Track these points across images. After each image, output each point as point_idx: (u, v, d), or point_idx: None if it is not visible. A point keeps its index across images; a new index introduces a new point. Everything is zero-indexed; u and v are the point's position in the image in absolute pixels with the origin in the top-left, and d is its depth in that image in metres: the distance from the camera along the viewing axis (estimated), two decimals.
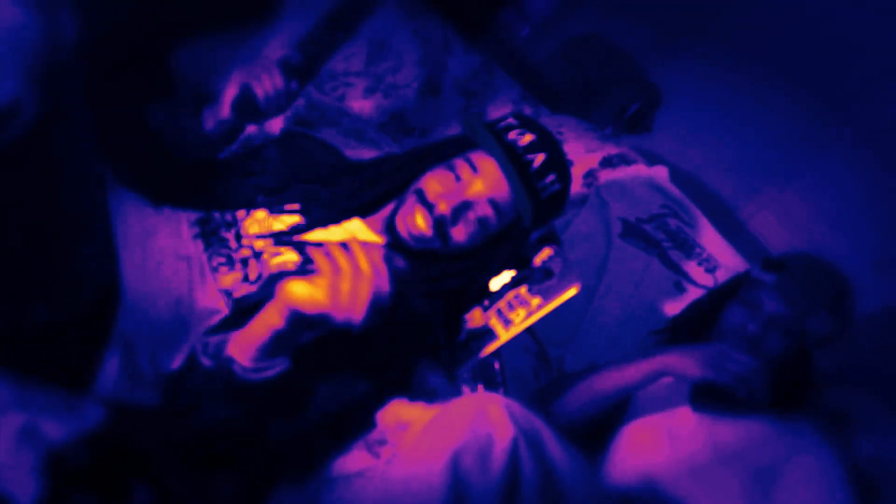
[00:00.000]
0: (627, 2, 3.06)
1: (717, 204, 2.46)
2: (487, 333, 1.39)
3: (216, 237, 1.30)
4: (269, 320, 1.02)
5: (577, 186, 2.14)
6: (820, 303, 1.55)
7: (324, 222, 1.33)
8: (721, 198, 2.52)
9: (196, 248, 1.28)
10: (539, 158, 1.31)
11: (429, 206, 1.28)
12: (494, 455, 1.04)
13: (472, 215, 1.30)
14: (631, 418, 1.57)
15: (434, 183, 1.29)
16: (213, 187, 1.35)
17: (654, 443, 1.52)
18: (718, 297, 1.68)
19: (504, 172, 1.29)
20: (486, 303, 1.43)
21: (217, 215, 1.32)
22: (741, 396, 1.34)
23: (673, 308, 1.84)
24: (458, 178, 1.30)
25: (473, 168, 1.31)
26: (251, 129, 1.40)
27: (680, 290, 2.00)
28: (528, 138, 1.32)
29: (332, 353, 1.15)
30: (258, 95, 1.28)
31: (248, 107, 1.30)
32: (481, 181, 1.30)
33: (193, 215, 1.32)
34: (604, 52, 3.10)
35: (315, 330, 1.03)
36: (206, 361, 1.06)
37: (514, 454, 1.05)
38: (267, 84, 1.28)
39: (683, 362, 1.40)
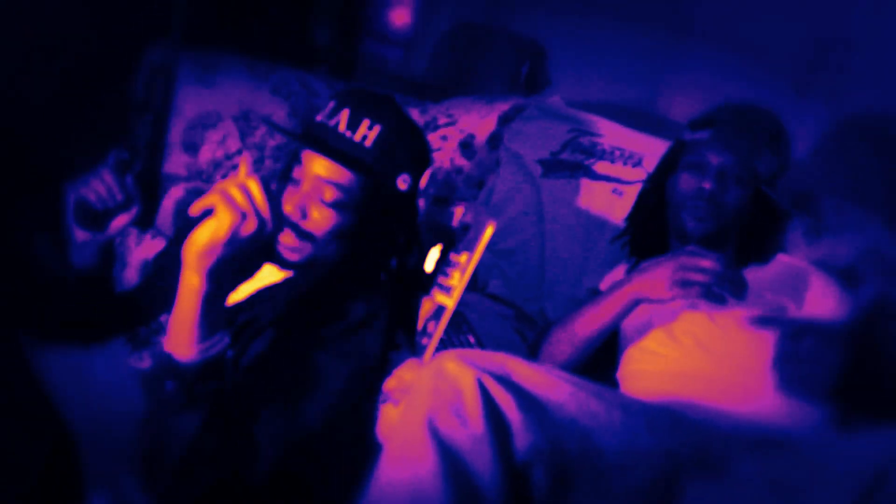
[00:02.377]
0: None
1: (622, 108, 2.48)
2: (438, 310, 1.38)
3: (149, 344, 1.30)
4: (189, 285, 1.03)
5: (484, 153, 2.15)
6: (760, 141, 1.53)
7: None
8: (625, 102, 2.55)
9: (136, 361, 1.29)
10: (343, 115, 1.30)
11: (288, 223, 1.28)
12: (466, 403, 1.03)
13: (319, 205, 1.29)
14: (625, 346, 1.55)
15: (286, 203, 1.29)
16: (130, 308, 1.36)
17: (655, 354, 1.50)
18: (659, 176, 1.66)
19: (312, 148, 1.29)
20: (427, 285, 1.42)
21: (143, 329, 1.33)
22: (717, 300, 1.31)
23: (621, 212, 1.82)
24: (297, 184, 1.30)
25: (301, 165, 1.31)
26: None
27: (618, 193, 1.99)
28: (330, 105, 1.33)
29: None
30: (90, 199, 1.28)
31: (87, 214, 1.29)
32: (311, 171, 1.29)
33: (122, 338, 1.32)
34: (479, 33, 3.14)
35: (236, 263, 1.05)
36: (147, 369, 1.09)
37: (485, 394, 1.04)
38: (97, 185, 1.29)
39: (651, 288, 1.36)
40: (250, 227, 1.01)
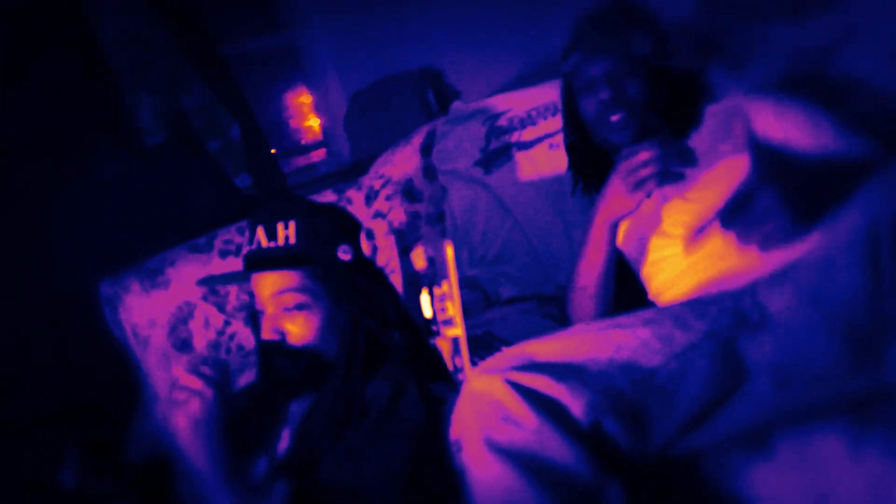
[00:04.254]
0: None
1: (526, 73, 2.51)
2: (454, 343, 1.39)
3: None
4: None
5: (428, 188, 2.17)
6: (623, 30, 1.53)
7: None
8: (523, 65, 2.58)
9: None
10: (259, 232, 1.35)
11: (275, 351, 1.31)
12: (508, 406, 1.03)
13: (287, 316, 1.32)
14: (639, 270, 1.56)
15: (264, 333, 1.33)
16: None
17: (663, 260, 1.50)
18: (568, 114, 1.68)
19: (250, 273, 1.34)
20: (435, 328, 1.44)
21: None
22: (675, 178, 1.32)
23: (562, 162, 1.84)
24: (262, 312, 1.34)
25: (256, 294, 1.36)
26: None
27: (555, 147, 2.00)
28: (247, 234, 1.38)
29: None
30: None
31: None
32: (263, 294, 1.33)
33: None
34: (375, 90, 3.19)
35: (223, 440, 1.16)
36: None
37: (519, 389, 1.04)
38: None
39: (615, 205, 1.39)
40: (196, 406, 1.12)
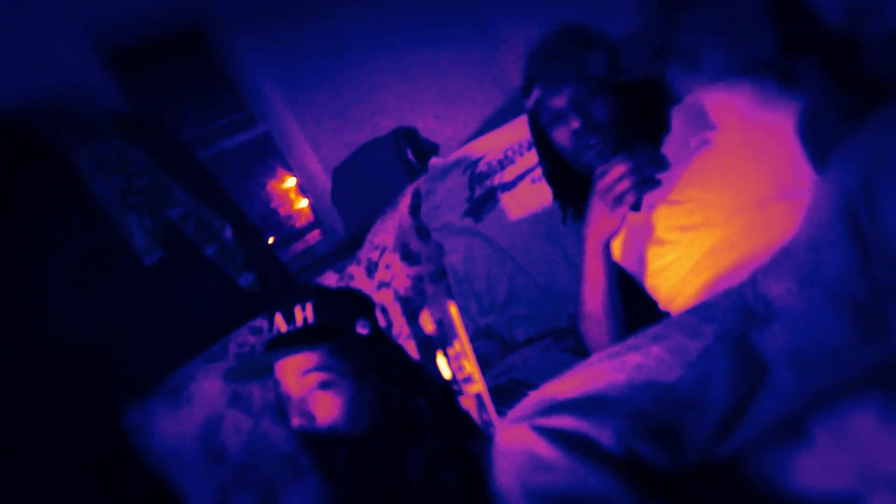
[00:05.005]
0: None
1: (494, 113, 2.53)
2: (478, 400, 1.39)
3: None
4: None
5: (424, 248, 2.19)
6: (576, 55, 1.54)
7: None
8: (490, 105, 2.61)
9: None
10: (278, 319, 1.39)
11: (305, 438, 1.32)
12: (539, 453, 1.03)
13: (314, 397, 1.34)
14: (644, 282, 1.56)
15: (293, 419, 1.35)
16: None
17: (666, 268, 1.51)
18: (541, 148, 1.69)
19: (274, 359, 1.36)
20: (456, 388, 1.44)
21: None
22: (653, 185, 1.34)
23: (547, 194, 1.85)
24: (289, 398, 1.36)
25: (280, 381, 1.37)
26: None
27: (534, 182, 2.02)
28: (265, 323, 1.39)
29: None
30: None
31: None
32: (288, 378, 1.36)
33: None
34: (354, 161, 3.23)
35: None
36: None
37: (545, 433, 1.04)
38: None
39: (600, 226, 1.42)
40: None
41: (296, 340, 1.35)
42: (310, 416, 1.31)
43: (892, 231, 0.89)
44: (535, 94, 1.56)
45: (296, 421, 1.31)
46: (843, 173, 0.95)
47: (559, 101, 1.52)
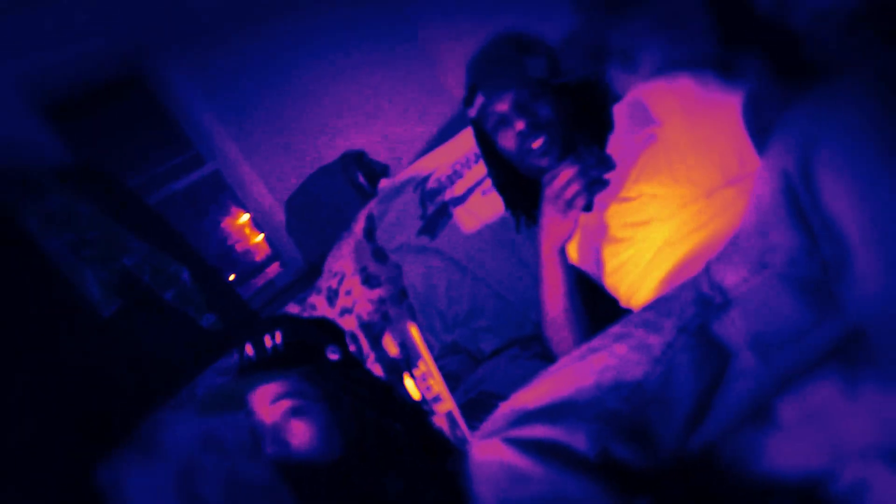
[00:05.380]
0: None
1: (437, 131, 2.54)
2: (449, 418, 1.39)
3: None
4: None
5: (383, 270, 2.19)
6: (515, 60, 1.55)
7: None
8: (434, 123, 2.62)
9: None
10: (247, 347, 1.39)
11: (280, 466, 1.32)
12: (515, 465, 1.03)
13: (288, 423, 1.33)
14: (604, 281, 1.57)
15: (268, 448, 1.34)
16: None
17: (624, 264, 1.51)
18: (488, 155, 1.69)
19: (248, 388, 1.35)
20: (427, 408, 1.43)
21: None
22: (602, 186, 1.35)
23: (499, 204, 1.86)
24: (264, 427, 1.36)
25: (252, 411, 1.37)
26: None
27: (485, 193, 2.03)
28: (235, 356, 1.40)
29: None
30: None
31: None
32: (260, 405, 1.35)
33: None
34: (305, 191, 3.21)
35: None
36: None
37: (518, 444, 1.04)
38: None
39: (553, 231, 1.44)
40: None
41: (266, 367, 1.34)
42: (284, 444, 1.30)
43: (831, 209, 0.90)
44: (478, 101, 1.56)
45: (270, 449, 1.30)
46: (780, 156, 0.97)
47: (502, 106, 1.53)
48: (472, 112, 1.61)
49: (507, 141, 1.56)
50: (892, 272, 0.86)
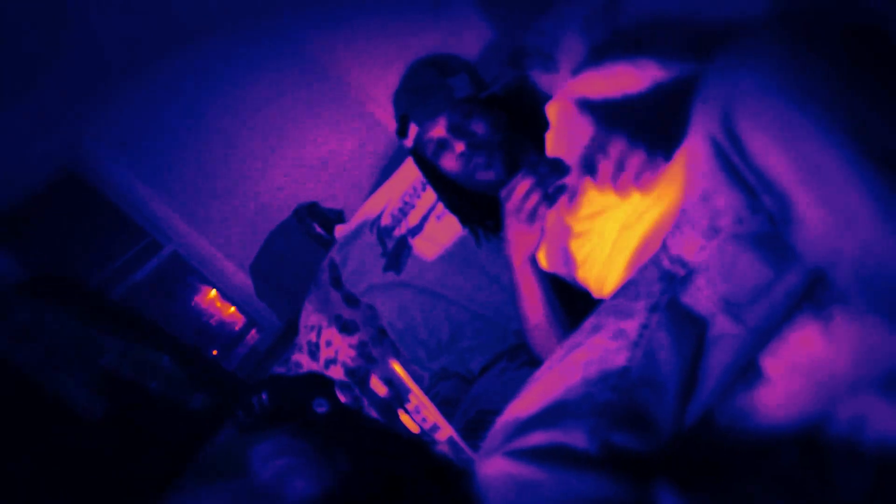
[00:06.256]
0: None
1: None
2: (451, 443, 1.39)
3: None
4: None
5: (358, 315, 2.18)
6: (439, 84, 1.57)
7: None
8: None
9: None
10: (240, 414, 1.41)
11: None
12: (522, 475, 1.03)
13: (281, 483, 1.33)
14: (576, 280, 1.58)
15: None
16: None
17: (590, 259, 1.53)
18: (435, 181, 1.71)
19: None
20: (427, 438, 1.44)
21: None
22: (560, 192, 1.37)
23: (455, 225, 1.88)
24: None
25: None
26: None
27: (439, 218, 2.05)
28: (228, 425, 1.40)
29: None
30: None
31: None
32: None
33: None
34: (268, 250, 3.20)
35: None
36: None
37: (522, 455, 1.04)
38: None
39: (520, 243, 1.46)
40: None
41: (258, 428, 1.34)
42: (281, 501, 1.29)
43: (761, 161, 0.92)
44: (413, 131, 1.58)
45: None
46: (704, 123, 0.99)
47: (438, 131, 1.55)
48: (409, 143, 1.62)
49: (450, 163, 1.58)
50: (829, 208, 0.88)
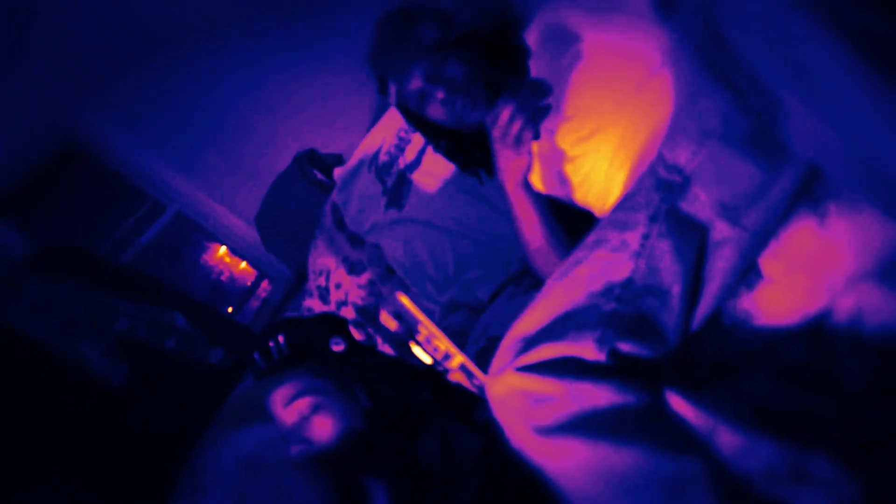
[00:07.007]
0: None
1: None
2: (464, 370, 1.41)
3: None
4: None
5: (355, 254, 2.19)
6: (411, 34, 1.56)
7: None
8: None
9: None
10: (257, 355, 1.42)
11: (306, 468, 1.34)
12: (536, 389, 1.03)
13: (309, 421, 1.35)
14: (575, 202, 1.59)
15: None
16: None
17: (585, 178, 1.53)
18: (425, 130, 1.72)
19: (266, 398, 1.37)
20: (441, 369, 1.46)
21: None
22: (545, 113, 1.38)
23: (448, 168, 1.88)
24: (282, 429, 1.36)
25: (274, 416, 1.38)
26: None
27: (435, 151, 2.04)
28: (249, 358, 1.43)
29: None
30: None
31: None
32: (278, 410, 1.36)
33: None
34: (269, 200, 3.20)
35: None
36: None
37: (533, 369, 1.05)
38: None
39: (511, 169, 1.47)
40: None
41: (277, 371, 1.37)
42: (307, 441, 1.32)
43: (743, 56, 0.92)
44: (392, 88, 1.59)
45: (294, 449, 1.32)
46: (683, 21, 0.98)
47: (416, 83, 1.55)
48: (392, 100, 1.63)
49: (436, 112, 1.57)
50: (818, 102, 0.88)
